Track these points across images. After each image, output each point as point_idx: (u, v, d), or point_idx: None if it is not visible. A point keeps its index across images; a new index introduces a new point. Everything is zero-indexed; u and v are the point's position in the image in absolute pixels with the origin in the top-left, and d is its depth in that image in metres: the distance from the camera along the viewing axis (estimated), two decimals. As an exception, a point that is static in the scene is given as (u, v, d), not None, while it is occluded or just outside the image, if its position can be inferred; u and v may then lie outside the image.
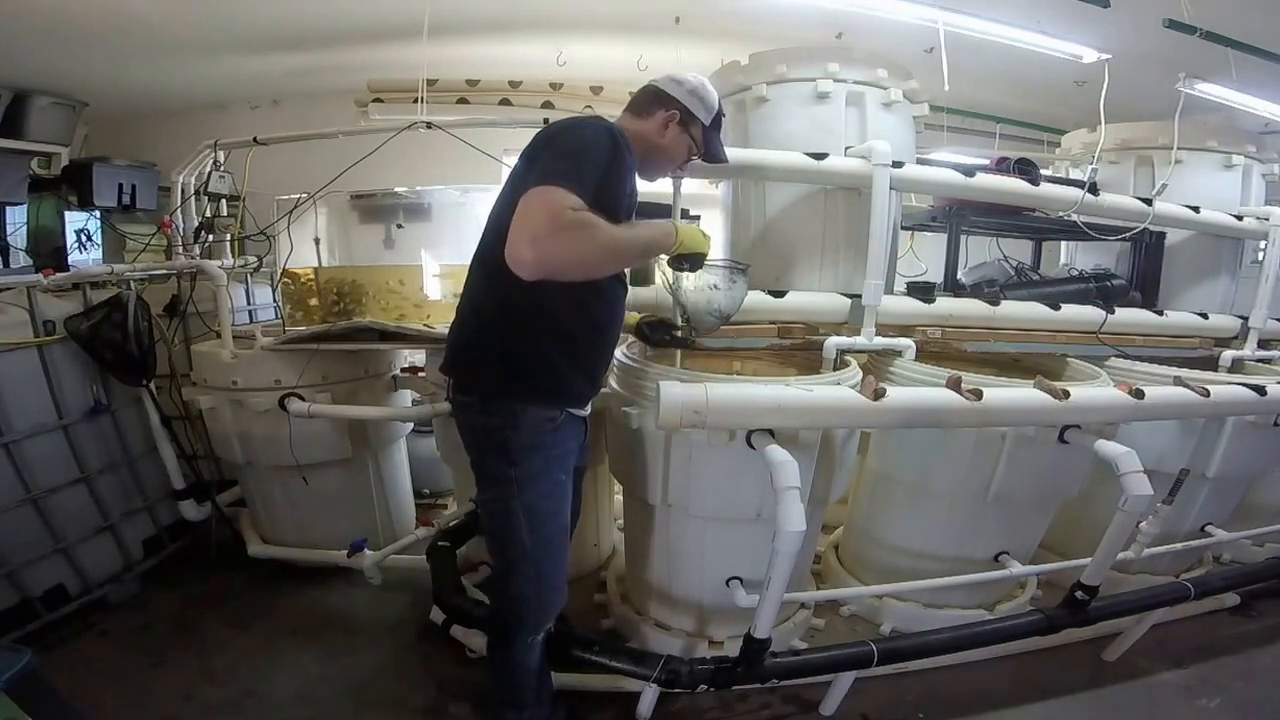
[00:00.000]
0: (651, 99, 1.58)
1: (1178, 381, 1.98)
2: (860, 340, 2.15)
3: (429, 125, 2.58)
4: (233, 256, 3.07)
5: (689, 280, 1.80)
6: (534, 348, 1.43)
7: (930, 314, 2.30)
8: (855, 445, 1.99)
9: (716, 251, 2.61)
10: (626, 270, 1.64)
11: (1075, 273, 2.95)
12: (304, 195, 2.79)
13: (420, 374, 2.75)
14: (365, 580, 2.40)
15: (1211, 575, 2.42)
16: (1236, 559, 2.80)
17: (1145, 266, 2.87)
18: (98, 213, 3.92)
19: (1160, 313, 2.64)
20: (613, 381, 1.99)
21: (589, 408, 1.64)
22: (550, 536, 1.53)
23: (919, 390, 1.74)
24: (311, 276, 3.17)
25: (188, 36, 3.62)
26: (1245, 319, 2.70)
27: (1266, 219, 2.65)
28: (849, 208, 2.24)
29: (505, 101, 3.80)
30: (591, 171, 1.30)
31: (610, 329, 1.58)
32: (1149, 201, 2.45)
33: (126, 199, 3.91)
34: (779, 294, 2.18)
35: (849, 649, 1.81)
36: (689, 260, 1.61)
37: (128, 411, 2.50)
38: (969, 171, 2.26)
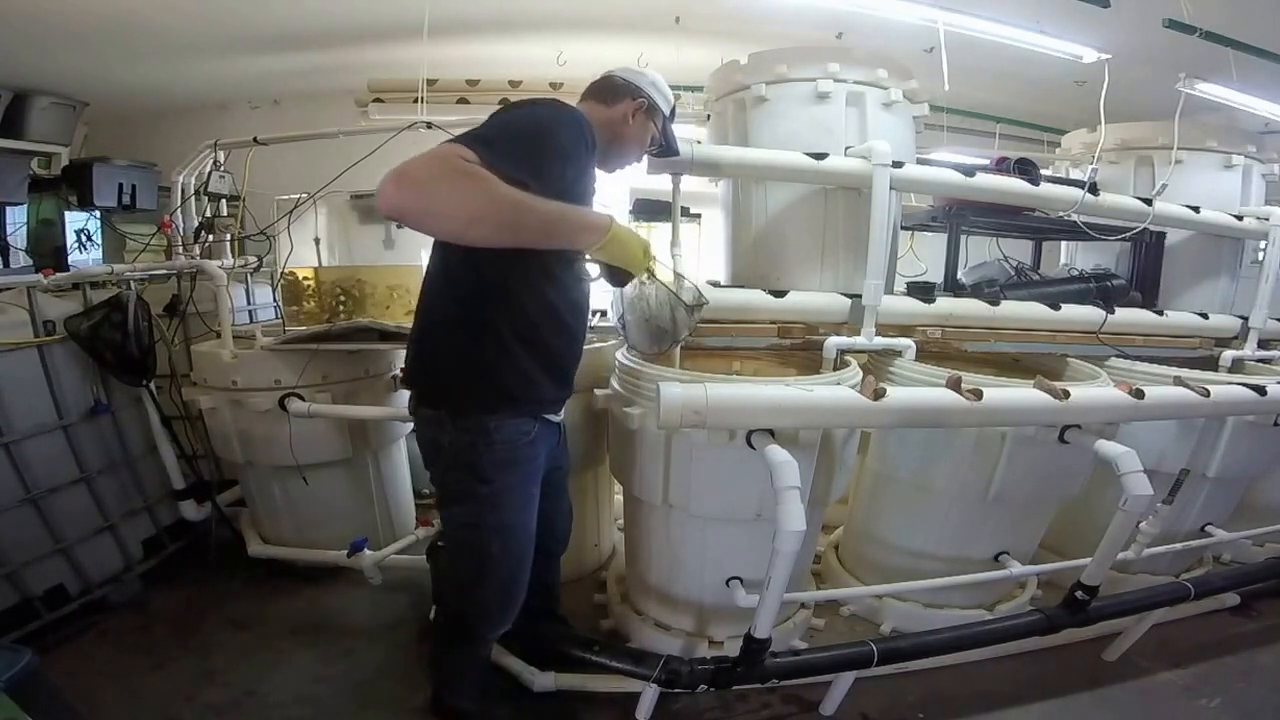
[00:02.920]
0: (618, 87, 1.54)
1: (1178, 381, 1.98)
2: (860, 340, 2.15)
3: (429, 125, 2.58)
4: (233, 256, 3.07)
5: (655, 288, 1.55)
6: (500, 351, 1.36)
7: (930, 314, 2.30)
8: (855, 445, 1.99)
9: (716, 253, 2.64)
10: (588, 266, 1.46)
11: (1075, 273, 2.95)
12: (304, 195, 2.80)
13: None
14: (365, 580, 2.40)
15: (1211, 575, 2.42)
16: (1236, 559, 2.79)
17: (1145, 266, 2.87)
18: (98, 213, 3.92)
19: (1160, 313, 2.64)
20: (613, 381, 1.99)
21: (563, 412, 1.61)
22: (520, 548, 1.51)
23: (919, 390, 1.74)
24: (312, 277, 3.17)
25: (188, 36, 3.63)
26: (1245, 319, 2.70)
27: (1266, 219, 2.65)
28: (849, 208, 2.24)
29: (505, 101, 3.80)
30: (531, 155, 1.20)
31: (577, 325, 1.51)
32: (1149, 201, 2.45)
33: (126, 199, 3.91)
34: (779, 294, 2.18)
35: (849, 649, 1.81)
36: (611, 273, 1.42)
37: (128, 411, 2.49)
38: (969, 171, 2.26)
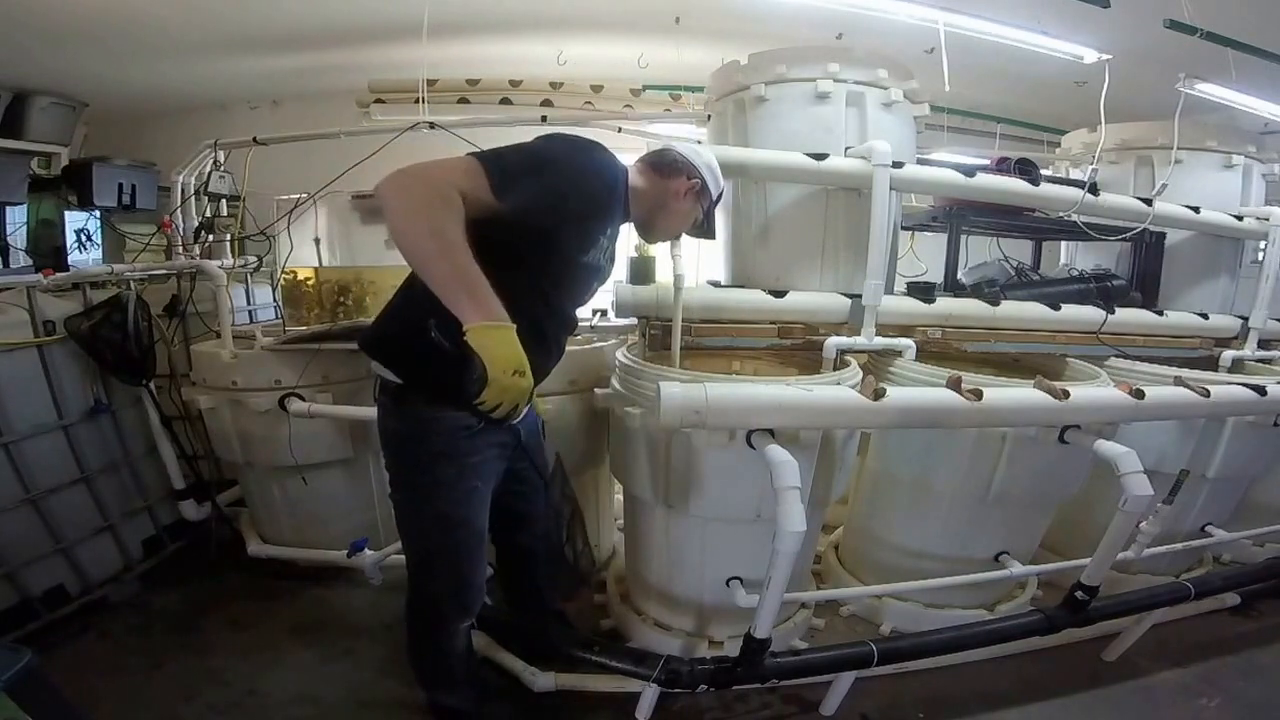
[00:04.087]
0: (676, 163, 1.58)
1: (1178, 381, 1.98)
2: (860, 340, 2.15)
3: (431, 126, 2.58)
4: (233, 256, 3.07)
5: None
6: (438, 347, 1.29)
7: (930, 314, 2.30)
8: (855, 445, 1.99)
9: (716, 253, 2.63)
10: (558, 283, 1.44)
11: (1075, 273, 2.95)
12: (304, 195, 2.80)
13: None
14: (365, 580, 2.40)
15: (1211, 575, 2.42)
16: (1237, 559, 2.79)
17: (1145, 266, 2.87)
18: (98, 213, 3.93)
19: (1160, 313, 2.64)
20: (613, 381, 1.99)
21: (525, 413, 1.55)
22: (463, 541, 1.50)
23: (919, 390, 1.74)
24: (313, 277, 3.17)
25: (188, 36, 3.63)
26: (1245, 319, 2.70)
27: (1266, 219, 2.65)
28: (849, 208, 2.24)
29: (506, 101, 3.80)
30: (532, 178, 1.25)
31: (531, 345, 1.30)
32: (1149, 201, 2.45)
33: (126, 199, 3.92)
34: (779, 294, 2.19)
35: (849, 649, 1.81)
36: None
37: (128, 411, 2.49)
38: (969, 171, 2.26)
